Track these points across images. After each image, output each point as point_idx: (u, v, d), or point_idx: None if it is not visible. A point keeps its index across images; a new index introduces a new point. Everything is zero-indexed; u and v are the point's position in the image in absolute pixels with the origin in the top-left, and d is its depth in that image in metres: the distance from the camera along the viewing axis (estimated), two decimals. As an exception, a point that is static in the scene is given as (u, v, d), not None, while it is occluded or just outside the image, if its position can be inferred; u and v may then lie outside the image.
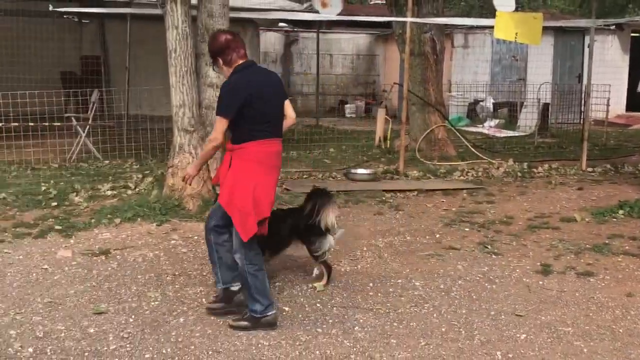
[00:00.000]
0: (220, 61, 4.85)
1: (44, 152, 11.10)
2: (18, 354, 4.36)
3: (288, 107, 5.10)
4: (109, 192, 8.69)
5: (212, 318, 4.99)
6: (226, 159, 4.86)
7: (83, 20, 17.14)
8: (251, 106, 4.66)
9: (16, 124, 10.68)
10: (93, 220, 7.46)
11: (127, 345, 4.52)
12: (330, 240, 5.61)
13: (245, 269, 4.73)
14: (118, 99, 13.68)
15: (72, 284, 5.65)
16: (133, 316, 4.99)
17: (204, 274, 5.94)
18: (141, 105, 14.45)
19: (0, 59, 14.68)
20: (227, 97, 4.69)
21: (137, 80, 13.89)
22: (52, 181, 9.36)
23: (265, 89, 4.78)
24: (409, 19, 10.56)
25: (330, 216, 5.52)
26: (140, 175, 9.56)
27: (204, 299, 5.35)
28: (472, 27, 19.05)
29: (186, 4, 7.86)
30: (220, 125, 4.69)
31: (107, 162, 11.06)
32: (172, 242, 6.86)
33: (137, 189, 8.80)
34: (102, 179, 9.56)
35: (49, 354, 4.38)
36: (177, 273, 5.96)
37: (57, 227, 7.24)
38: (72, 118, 11.66)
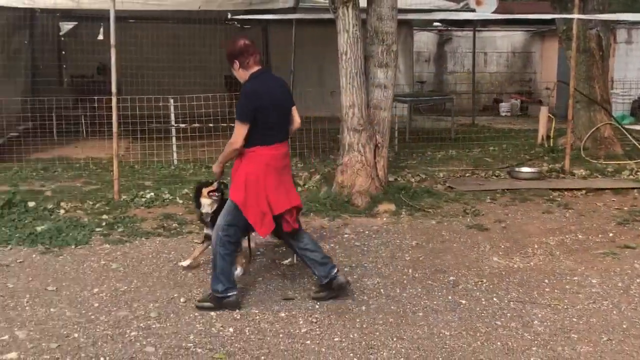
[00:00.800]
0: (237, 64, 5.16)
1: (216, 151, 11.80)
2: (220, 332, 4.80)
3: (295, 112, 5.38)
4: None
5: (393, 307, 5.23)
6: (237, 160, 5.20)
7: (245, 26, 17.86)
8: (262, 112, 5.00)
9: (197, 125, 11.40)
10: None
11: (317, 329, 4.84)
12: None
13: (218, 250, 5.13)
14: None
15: (260, 272, 6.09)
16: (318, 304, 5.32)
17: (379, 266, 6.20)
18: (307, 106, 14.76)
19: (173, 65, 15.64)
20: (247, 104, 5.03)
21: (295, 83, 14.37)
22: (227, 178, 9.92)
23: (275, 97, 5.13)
24: (575, 16, 10.32)
25: None
26: (306, 173, 9.95)
27: (382, 289, 5.61)
28: (635, 22, 18.16)
29: (357, 8, 8.17)
30: (241, 129, 5.02)
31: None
32: (345, 236, 7.17)
33: (305, 186, 9.18)
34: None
35: (247, 333, 4.78)
36: (353, 265, 6.25)
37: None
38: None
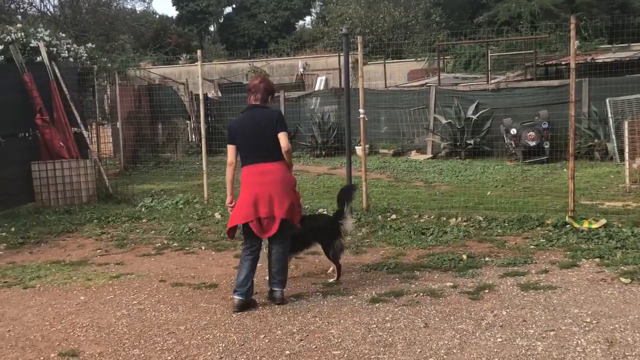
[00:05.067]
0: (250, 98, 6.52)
1: None
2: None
3: (280, 138, 6.29)
4: None
5: None
6: None
7: None
8: (236, 139, 6.36)
9: None
10: None
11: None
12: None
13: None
14: None
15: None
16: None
17: None
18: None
19: None
20: (228, 132, 6.45)
21: None
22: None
23: (246, 127, 6.33)
24: None
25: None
26: None
27: None
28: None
29: None
30: (228, 150, 6.44)
31: None
32: None
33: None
34: None
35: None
36: None
37: None
38: None
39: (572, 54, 9.17)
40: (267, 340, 5.51)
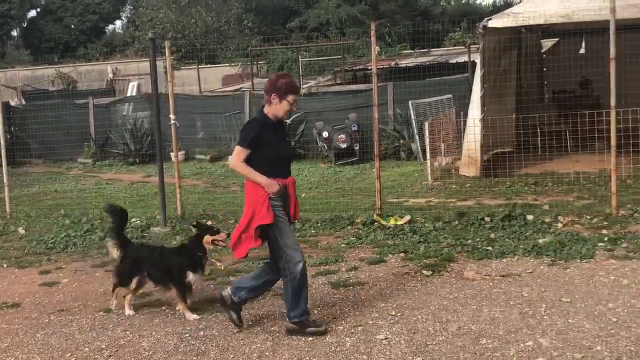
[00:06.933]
0: None
1: None
2: None
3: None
4: None
5: None
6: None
7: None
8: None
9: None
10: None
11: None
12: None
13: None
14: None
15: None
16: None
17: None
18: None
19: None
20: None
21: None
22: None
23: None
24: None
25: None
26: None
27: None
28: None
29: None
30: None
31: None
32: None
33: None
34: None
35: None
36: None
37: None
38: None
39: (373, 59, 9.61)
40: (73, 359, 5.26)
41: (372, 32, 9.49)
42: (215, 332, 5.65)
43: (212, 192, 13.38)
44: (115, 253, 6.40)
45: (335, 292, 6.54)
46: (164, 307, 6.40)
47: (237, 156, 5.40)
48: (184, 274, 6.06)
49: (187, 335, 5.62)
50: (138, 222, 10.02)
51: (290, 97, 5.44)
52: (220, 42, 31.91)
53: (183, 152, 18.30)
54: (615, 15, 8.49)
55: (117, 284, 6.38)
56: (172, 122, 10.24)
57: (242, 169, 5.41)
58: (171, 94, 10.44)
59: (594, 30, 12.17)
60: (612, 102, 8.53)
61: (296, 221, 6.40)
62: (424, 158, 13.89)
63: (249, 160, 5.38)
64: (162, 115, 10.60)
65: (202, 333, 5.65)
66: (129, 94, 25.43)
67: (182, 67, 27.85)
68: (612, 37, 8.44)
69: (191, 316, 6.02)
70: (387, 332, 5.40)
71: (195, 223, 6.50)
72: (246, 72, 25.75)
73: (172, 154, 10.80)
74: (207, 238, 6.08)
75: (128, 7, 51.58)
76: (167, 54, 10.69)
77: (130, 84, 27.20)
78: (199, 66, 25.57)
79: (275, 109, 5.47)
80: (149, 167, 17.69)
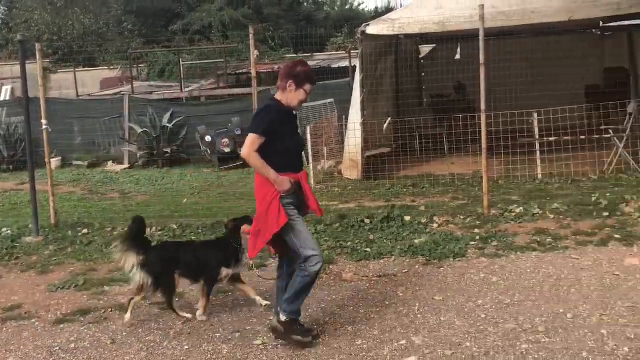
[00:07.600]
0: None
1: (581, 164, 11.30)
2: (614, 352, 4.75)
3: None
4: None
5: None
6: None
7: (606, 33, 17.27)
8: None
9: (555, 138, 11.46)
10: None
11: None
12: None
13: None
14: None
15: None
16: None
17: None
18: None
19: (531, 79, 15.66)
20: None
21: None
22: (597, 192, 9.67)
23: None
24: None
25: None
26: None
27: None
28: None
29: None
30: None
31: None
32: None
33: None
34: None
35: None
36: None
37: (615, 235, 7.65)
38: (610, 130, 11.64)
39: (252, 63, 9.64)
40: None
41: (251, 36, 9.50)
42: (87, 344, 5.45)
43: (89, 199, 12.92)
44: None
45: (214, 298, 6.43)
46: (33, 320, 6.11)
47: (251, 145, 4.96)
48: (218, 269, 5.79)
49: (58, 348, 5.40)
50: (9, 232, 9.55)
51: (308, 87, 5.12)
52: (99, 44, 30.95)
53: (59, 158, 17.64)
54: (484, 23, 8.81)
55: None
56: (44, 127, 9.84)
57: (255, 159, 4.96)
58: (43, 97, 10.02)
59: (468, 37, 12.74)
60: (483, 106, 8.81)
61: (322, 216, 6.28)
62: (307, 162, 13.98)
63: (259, 152, 4.98)
64: (35, 120, 10.17)
65: (72, 346, 5.44)
66: (1, 99, 24.24)
67: (58, 70, 26.81)
68: (482, 44, 8.75)
69: (202, 317, 5.81)
70: (265, 338, 5.37)
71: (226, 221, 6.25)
72: (126, 75, 25.12)
73: (54, 160, 10.37)
74: (245, 228, 5.76)
75: (2, 8, 49.11)
76: (38, 57, 10.24)
77: (4, 88, 25.93)
78: (76, 69, 24.68)
79: (291, 97, 5.12)
80: (23, 174, 16.77)
